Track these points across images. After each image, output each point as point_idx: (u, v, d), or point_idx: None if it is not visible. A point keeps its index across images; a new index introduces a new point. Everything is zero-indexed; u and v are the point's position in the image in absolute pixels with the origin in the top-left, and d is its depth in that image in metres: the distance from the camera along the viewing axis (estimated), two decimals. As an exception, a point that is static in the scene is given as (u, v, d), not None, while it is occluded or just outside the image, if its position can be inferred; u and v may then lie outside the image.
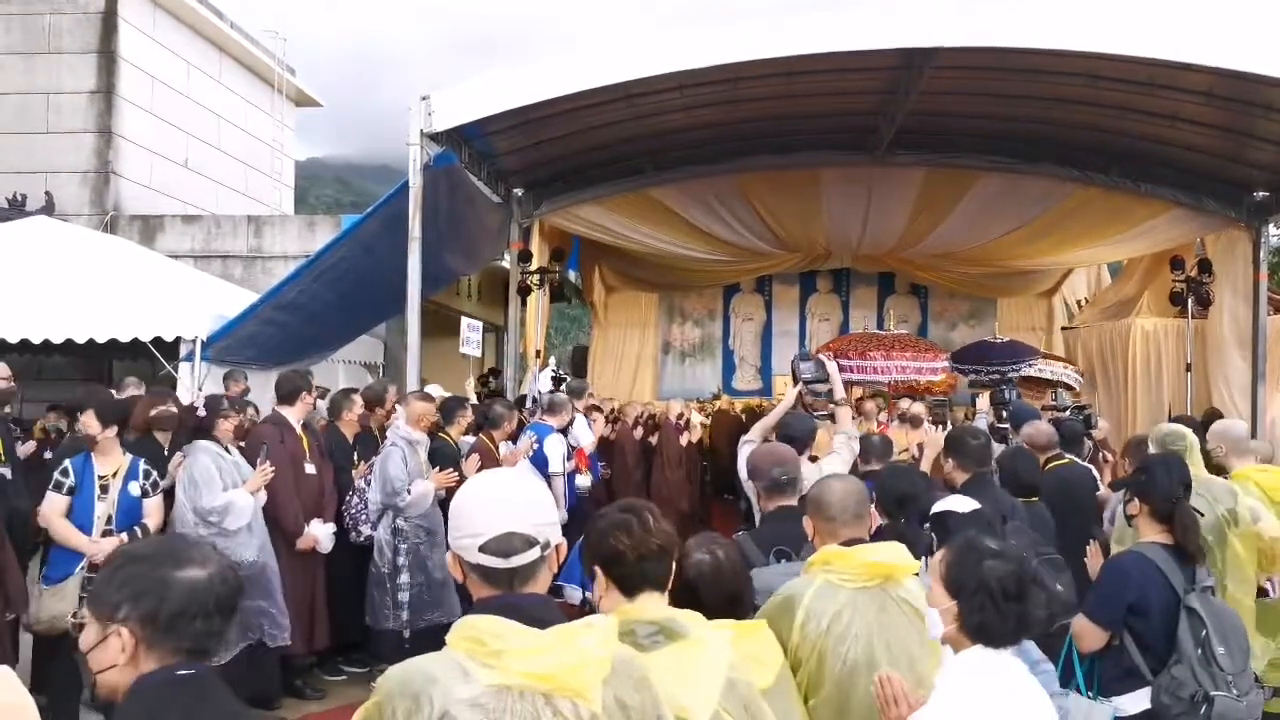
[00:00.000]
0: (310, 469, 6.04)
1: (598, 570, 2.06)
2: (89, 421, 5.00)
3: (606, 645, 1.61)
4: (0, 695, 1.03)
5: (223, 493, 5.30)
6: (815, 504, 2.95)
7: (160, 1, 13.89)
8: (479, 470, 5.89)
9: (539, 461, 7.53)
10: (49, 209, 12.04)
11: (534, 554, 1.71)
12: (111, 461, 5.07)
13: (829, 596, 2.63)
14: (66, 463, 5.03)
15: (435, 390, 8.05)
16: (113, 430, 5.06)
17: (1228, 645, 3.10)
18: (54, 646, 4.90)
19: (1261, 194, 11.03)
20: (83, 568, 4.86)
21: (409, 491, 5.87)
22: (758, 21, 7.97)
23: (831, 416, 5.50)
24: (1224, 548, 4.35)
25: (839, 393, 5.24)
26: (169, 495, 5.40)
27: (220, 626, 1.74)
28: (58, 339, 7.74)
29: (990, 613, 2.24)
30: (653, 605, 2.04)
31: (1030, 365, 12.63)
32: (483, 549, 1.70)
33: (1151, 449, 4.49)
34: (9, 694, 1.05)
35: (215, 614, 1.72)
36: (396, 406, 7.02)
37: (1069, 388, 12.51)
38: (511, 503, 1.74)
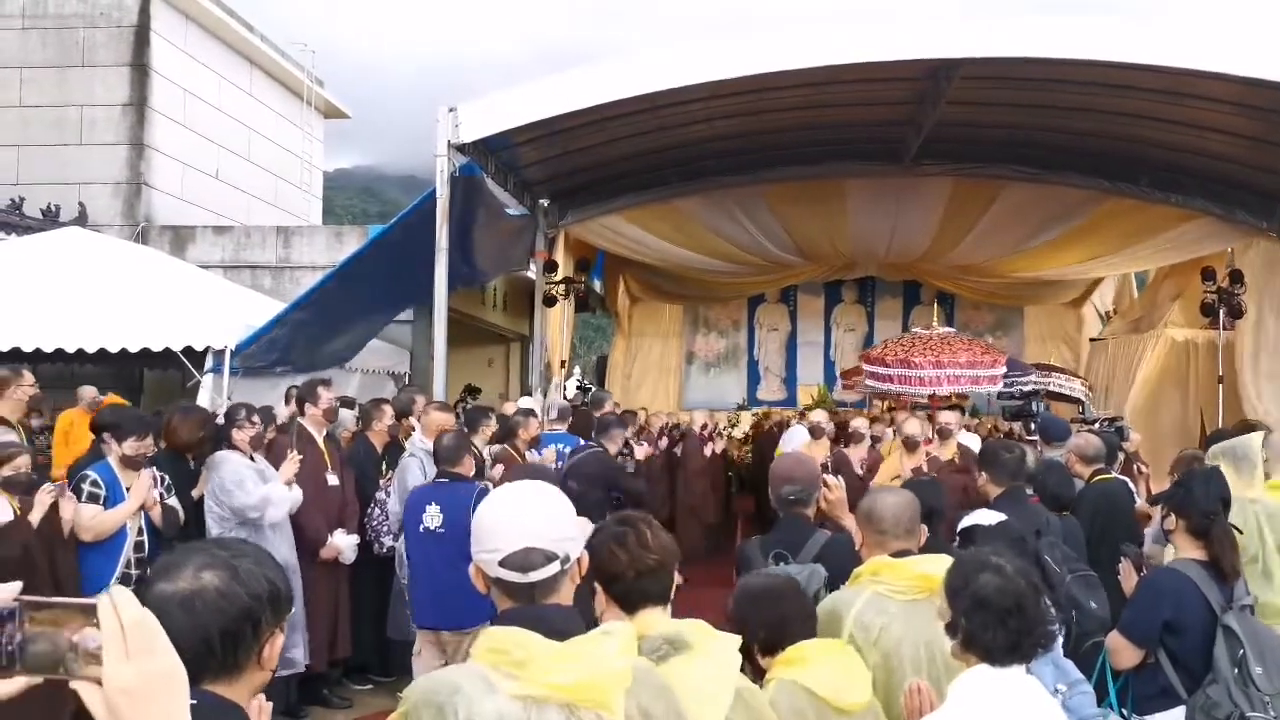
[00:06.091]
0: (332, 480, 6.05)
1: (598, 587, 2.06)
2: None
3: (627, 655, 1.60)
4: (126, 613, 1.01)
5: (257, 488, 5.34)
6: (867, 516, 2.90)
7: (192, 15, 14.09)
8: (503, 479, 5.88)
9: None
10: (82, 220, 12.23)
11: (553, 569, 1.69)
12: (131, 472, 5.01)
13: (878, 608, 2.58)
14: (92, 474, 4.87)
15: (526, 403, 8.09)
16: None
17: (1265, 665, 3.03)
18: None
19: (1293, 203, 10.88)
20: (116, 578, 4.76)
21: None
22: (784, 33, 7.95)
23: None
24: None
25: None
26: (199, 506, 5.44)
27: (220, 646, 1.38)
28: (90, 349, 7.81)
29: (980, 628, 2.12)
30: (655, 619, 2.04)
31: (1040, 379, 11.69)
32: (503, 563, 1.69)
33: (1210, 462, 4.41)
34: (133, 610, 1.02)
35: (199, 631, 1.35)
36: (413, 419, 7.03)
37: (1077, 401, 12.20)
38: (531, 517, 1.73)
